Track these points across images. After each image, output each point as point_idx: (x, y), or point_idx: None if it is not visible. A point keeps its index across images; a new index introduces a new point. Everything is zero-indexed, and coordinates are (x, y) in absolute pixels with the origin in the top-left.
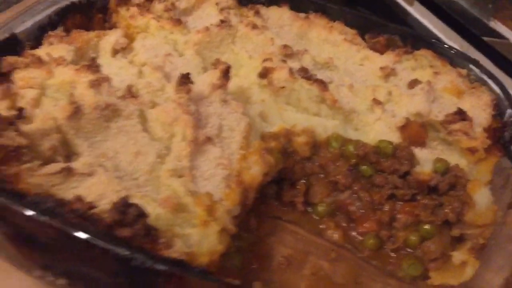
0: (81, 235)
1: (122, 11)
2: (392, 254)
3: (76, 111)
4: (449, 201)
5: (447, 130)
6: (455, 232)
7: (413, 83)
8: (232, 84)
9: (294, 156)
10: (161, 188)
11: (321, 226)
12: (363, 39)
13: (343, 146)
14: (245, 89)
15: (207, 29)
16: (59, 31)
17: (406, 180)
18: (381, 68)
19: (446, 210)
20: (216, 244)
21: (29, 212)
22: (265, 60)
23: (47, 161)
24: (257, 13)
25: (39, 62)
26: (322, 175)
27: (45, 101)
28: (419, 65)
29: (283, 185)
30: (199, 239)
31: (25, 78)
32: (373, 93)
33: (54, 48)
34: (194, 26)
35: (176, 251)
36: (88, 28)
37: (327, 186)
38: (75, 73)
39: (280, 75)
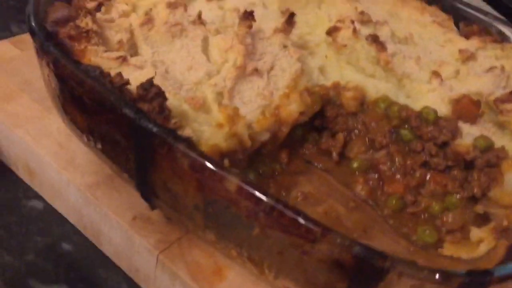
0: (109, 97)
1: None
2: (411, 219)
3: (148, 21)
4: (479, 175)
5: (498, 109)
6: (479, 208)
7: (491, 70)
8: (300, 35)
9: (339, 109)
10: (202, 91)
11: (350, 179)
12: (457, 26)
13: (389, 107)
14: (313, 44)
15: None
16: None
17: (443, 151)
18: (460, 51)
19: (473, 184)
20: (221, 141)
21: (79, 74)
22: (338, 21)
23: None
24: None
25: None
26: (362, 132)
27: (132, 16)
28: (505, 56)
29: (323, 133)
30: (208, 135)
31: None
32: (438, 68)
33: None
34: None
35: (184, 133)
36: None
37: (365, 143)
38: None
39: (344, 33)
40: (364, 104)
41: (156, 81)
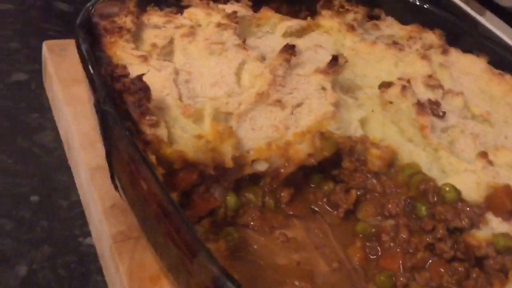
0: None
1: (324, 12)
2: None
3: (190, 34)
4: (478, 275)
5: None
6: None
7: None
8: (362, 87)
9: (361, 165)
10: (204, 105)
11: (348, 240)
12: None
13: (413, 175)
14: (366, 96)
15: (374, 42)
16: None
17: (454, 238)
18: None
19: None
20: (189, 149)
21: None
22: (399, 78)
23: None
24: (444, 52)
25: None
26: (378, 196)
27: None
28: None
29: (337, 186)
30: (181, 142)
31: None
32: (495, 151)
33: (231, 7)
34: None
35: (154, 131)
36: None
37: (377, 208)
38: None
39: (393, 90)
40: (392, 168)
41: (167, 85)
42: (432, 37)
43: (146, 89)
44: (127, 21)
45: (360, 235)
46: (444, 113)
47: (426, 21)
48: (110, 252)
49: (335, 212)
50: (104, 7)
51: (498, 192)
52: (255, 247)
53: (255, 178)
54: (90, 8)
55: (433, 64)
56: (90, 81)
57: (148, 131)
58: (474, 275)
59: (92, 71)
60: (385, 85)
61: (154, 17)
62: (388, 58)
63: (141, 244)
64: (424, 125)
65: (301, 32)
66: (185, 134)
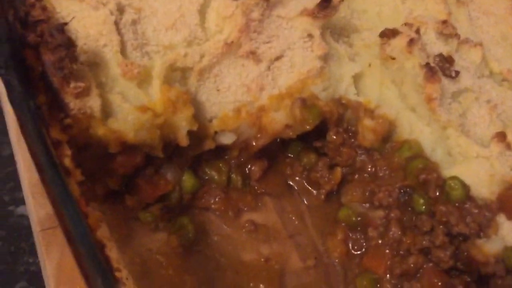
0: None
1: None
2: None
3: None
4: None
5: None
6: None
7: None
8: (355, 27)
9: (350, 138)
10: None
11: (329, 229)
12: None
13: (412, 159)
14: (363, 43)
15: None
16: None
17: (455, 245)
18: None
19: None
20: (129, 129)
21: None
22: (406, 23)
23: None
24: None
25: None
26: (368, 178)
27: None
28: None
29: (319, 160)
30: (121, 116)
31: None
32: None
33: None
34: None
35: (81, 104)
36: None
37: (365, 193)
38: None
39: (398, 42)
40: (388, 143)
41: (105, 31)
42: None
43: (68, 45)
44: None
45: (343, 224)
46: (457, 72)
47: None
48: (37, 240)
49: (315, 192)
50: None
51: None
52: (216, 239)
53: (219, 151)
54: None
55: (448, 1)
56: None
57: (72, 103)
58: None
59: None
60: (387, 34)
61: None
62: None
63: None
64: (431, 96)
65: None
66: (125, 104)
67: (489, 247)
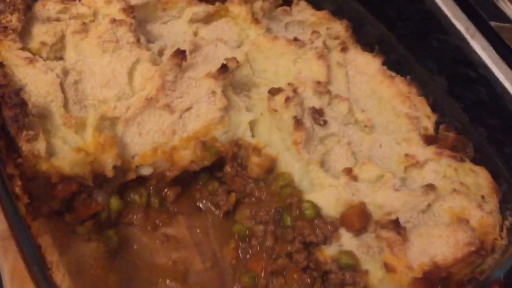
0: None
1: None
2: None
3: (82, 31)
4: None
5: (375, 232)
6: None
7: (427, 189)
8: (256, 83)
9: (242, 170)
10: (89, 112)
11: (226, 239)
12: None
13: (284, 187)
14: (258, 97)
15: (276, 37)
16: None
17: (308, 250)
18: (406, 155)
19: None
20: (67, 165)
21: None
22: (289, 83)
23: (34, 53)
24: (344, 49)
25: None
26: (254, 200)
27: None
28: (455, 176)
29: (220, 187)
30: (60, 155)
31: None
32: (361, 166)
33: None
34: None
35: (30, 147)
36: None
37: (252, 212)
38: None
39: (280, 98)
40: (271, 174)
41: (52, 90)
42: (339, 27)
43: (22, 104)
44: (13, 19)
45: (236, 236)
46: (325, 121)
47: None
48: None
49: (217, 211)
50: None
51: (351, 210)
52: (135, 247)
53: (140, 179)
54: None
55: (330, 62)
56: None
57: (24, 146)
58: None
59: None
60: (273, 92)
61: (50, 4)
62: (288, 54)
63: None
64: (297, 141)
65: (208, 18)
66: (65, 146)
67: (329, 251)
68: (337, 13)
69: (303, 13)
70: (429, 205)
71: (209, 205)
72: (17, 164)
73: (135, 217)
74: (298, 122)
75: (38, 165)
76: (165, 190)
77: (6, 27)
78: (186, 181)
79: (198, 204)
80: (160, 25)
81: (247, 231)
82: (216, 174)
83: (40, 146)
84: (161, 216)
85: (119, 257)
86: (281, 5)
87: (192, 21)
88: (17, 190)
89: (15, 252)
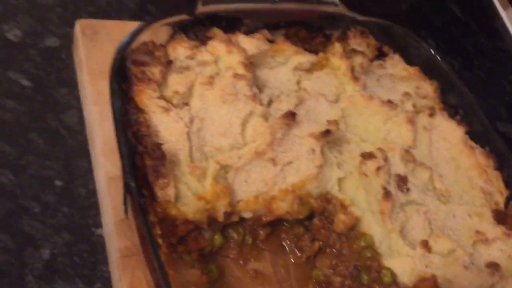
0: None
1: (337, 45)
2: None
3: (208, 83)
4: None
5: None
6: None
7: (493, 269)
8: (347, 140)
9: (328, 224)
10: (209, 162)
11: (305, 281)
12: None
13: (365, 248)
14: (350, 156)
15: (371, 97)
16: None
17: None
18: (477, 232)
19: None
20: (191, 212)
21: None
22: (379, 148)
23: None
24: (431, 115)
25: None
26: (336, 253)
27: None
28: None
29: (305, 234)
30: (185, 202)
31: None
32: (436, 238)
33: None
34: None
35: (163, 193)
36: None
37: (331, 262)
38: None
39: (371, 165)
40: (353, 231)
41: (181, 139)
42: (428, 87)
43: (162, 157)
44: (155, 72)
45: (314, 280)
46: (408, 189)
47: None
48: (116, 263)
49: (299, 254)
50: (137, 54)
51: (425, 283)
52: (230, 279)
53: (240, 220)
54: (123, 51)
55: (417, 126)
56: (119, 145)
57: (159, 192)
58: None
59: (120, 136)
60: (365, 156)
61: (180, 49)
62: (380, 115)
63: (142, 262)
64: (384, 211)
65: (311, 68)
66: (188, 192)
67: None
68: (426, 70)
69: (396, 67)
70: (492, 285)
71: (293, 246)
72: (155, 212)
73: (231, 251)
74: (387, 194)
75: (168, 209)
76: (258, 230)
77: (150, 79)
78: (275, 223)
79: (282, 243)
80: (268, 71)
81: (325, 278)
82: (303, 221)
83: (171, 192)
84: (252, 252)
85: (216, 286)
86: (376, 56)
87: (296, 69)
88: (158, 239)
89: (133, 268)
